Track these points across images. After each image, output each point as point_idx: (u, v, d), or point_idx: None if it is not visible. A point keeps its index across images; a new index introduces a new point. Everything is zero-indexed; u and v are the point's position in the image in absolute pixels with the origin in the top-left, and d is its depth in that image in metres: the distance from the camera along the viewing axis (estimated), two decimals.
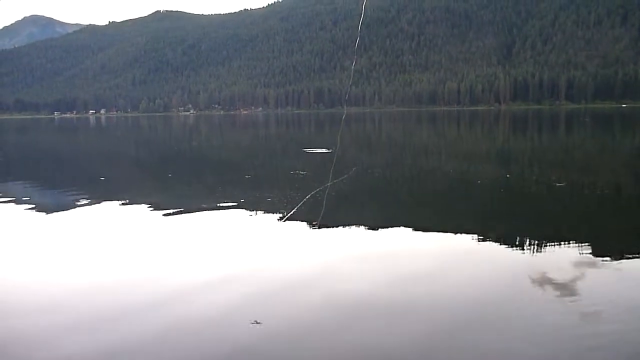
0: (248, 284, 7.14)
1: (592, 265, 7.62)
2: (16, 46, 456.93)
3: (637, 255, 8.21)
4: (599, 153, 26.78)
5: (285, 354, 5.24)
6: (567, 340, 5.36)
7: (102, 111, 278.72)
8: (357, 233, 9.87)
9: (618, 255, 8.01)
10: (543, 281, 6.97)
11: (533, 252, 8.40)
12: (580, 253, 8.19)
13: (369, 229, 10.11)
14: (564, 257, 8.00)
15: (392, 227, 10.22)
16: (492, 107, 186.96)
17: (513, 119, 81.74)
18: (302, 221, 10.44)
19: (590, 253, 8.18)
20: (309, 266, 8.01)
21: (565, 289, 6.69)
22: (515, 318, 5.88)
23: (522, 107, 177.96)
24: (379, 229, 10.05)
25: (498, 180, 16.88)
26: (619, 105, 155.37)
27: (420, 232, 9.86)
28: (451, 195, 14.62)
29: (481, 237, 9.30)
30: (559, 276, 7.12)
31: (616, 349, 5.20)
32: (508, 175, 17.97)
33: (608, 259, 7.89)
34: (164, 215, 11.87)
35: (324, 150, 26.12)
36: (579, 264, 7.60)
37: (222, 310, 6.26)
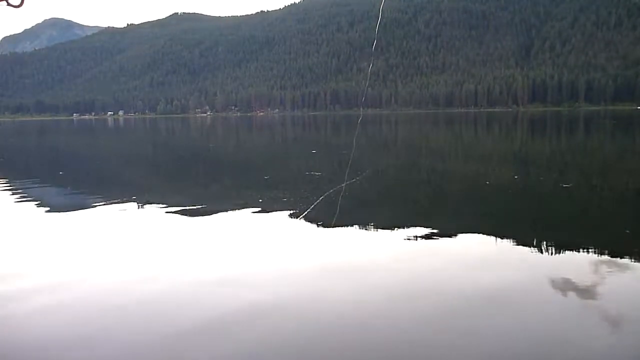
0: (260, 284, 7.25)
1: (610, 268, 7.57)
2: (36, 49, 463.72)
3: None
4: (616, 155, 26.48)
5: (295, 354, 5.34)
6: (588, 344, 5.38)
7: (120, 113, 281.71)
8: (370, 234, 9.93)
9: (636, 258, 7.98)
10: (562, 285, 6.91)
11: (550, 254, 8.38)
12: (597, 256, 8.15)
13: (381, 230, 10.15)
14: (582, 260, 7.98)
15: (405, 228, 10.25)
16: (510, 109, 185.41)
17: (531, 121, 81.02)
18: (317, 221, 10.53)
19: (608, 256, 8.13)
20: (322, 267, 8.08)
21: (585, 292, 6.65)
22: (536, 321, 5.85)
23: (540, 109, 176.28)
24: (393, 230, 10.10)
25: (514, 183, 16.79)
26: (635, 108, 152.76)
27: (433, 235, 9.87)
28: (464, 197, 14.59)
29: (494, 239, 9.30)
30: (578, 279, 7.08)
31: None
32: (516, 177, 17.89)
33: (627, 261, 7.85)
34: (184, 215, 12.07)
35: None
36: (597, 267, 7.56)
37: (231, 310, 6.38)
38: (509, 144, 37.33)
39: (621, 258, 7.97)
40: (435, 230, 10.00)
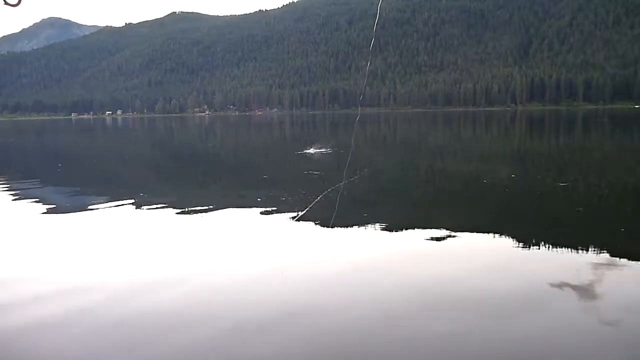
0: (259, 285, 7.29)
1: (607, 266, 7.62)
2: (35, 48, 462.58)
3: None
4: (613, 154, 26.54)
5: (295, 355, 5.37)
6: (585, 343, 5.42)
7: (119, 112, 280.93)
8: (369, 233, 9.97)
9: (632, 257, 8.03)
10: (558, 283, 6.94)
11: (546, 253, 8.45)
12: (593, 254, 8.21)
13: (380, 229, 10.21)
14: (578, 259, 8.04)
15: (403, 227, 10.31)
16: (509, 108, 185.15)
17: (530, 120, 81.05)
18: (316, 221, 10.59)
19: (604, 255, 8.18)
20: (321, 267, 8.13)
21: (581, 290, 6.69)
22: (532, 320, 5.90)
23: (539, 108, 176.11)
24: (391, 229, 10.15)
25: (512, 182, 16.86)
26: (632, 106, 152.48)
27: (430, 234, 9.92)
28: (462, 196, 14.65)
29: (492, 238, 9.36)
30: (574, 278, 7.12)
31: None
32: (513, 175, 17.96)
33: (623, 260, 7.89)
34: (183, 215, 12.12)
35: (322, 150, 26.40)
36: (592, 266, 7.61)
37: (230, 308, 6.45)
38: (508, 143, 37.41)
39: (617, 257, 8.03)
40: (433, 230, 10.05)
